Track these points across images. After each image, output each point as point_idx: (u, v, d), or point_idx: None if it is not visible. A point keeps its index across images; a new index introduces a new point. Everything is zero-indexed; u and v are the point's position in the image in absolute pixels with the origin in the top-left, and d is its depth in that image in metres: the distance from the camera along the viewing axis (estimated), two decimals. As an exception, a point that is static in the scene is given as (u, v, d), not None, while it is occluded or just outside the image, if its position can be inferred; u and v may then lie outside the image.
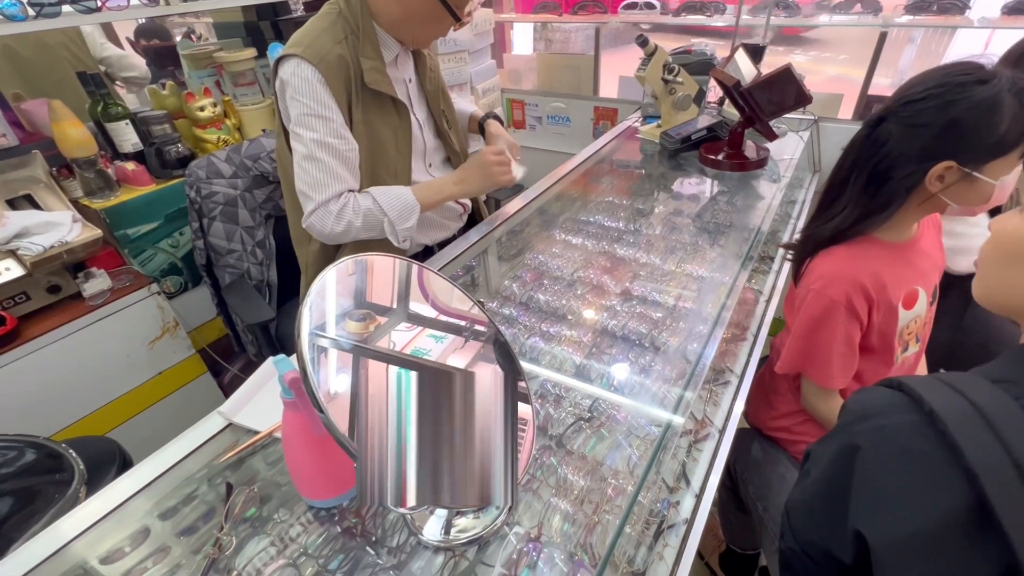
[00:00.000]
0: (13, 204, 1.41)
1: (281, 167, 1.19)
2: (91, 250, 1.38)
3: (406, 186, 1.12)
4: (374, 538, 0.69)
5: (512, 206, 1.40)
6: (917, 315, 0.95)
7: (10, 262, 1.29)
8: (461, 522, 0.66)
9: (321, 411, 0.42)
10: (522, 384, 0.63)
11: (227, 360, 1.77)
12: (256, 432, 0.70)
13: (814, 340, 0.93)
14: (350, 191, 1.06)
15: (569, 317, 1.10)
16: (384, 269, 0.60)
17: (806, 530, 0.61)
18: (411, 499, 0.45)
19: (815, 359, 0.94)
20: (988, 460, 0.42)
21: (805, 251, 0.95)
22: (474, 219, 1.42)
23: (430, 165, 1.22)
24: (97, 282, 1.41)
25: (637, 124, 1.90)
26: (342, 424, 0.43)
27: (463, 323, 0.63)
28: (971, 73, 0.73)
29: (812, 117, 1.77)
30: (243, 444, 0.68)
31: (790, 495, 0.67)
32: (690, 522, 0.72)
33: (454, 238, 1.31)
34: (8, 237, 1.28)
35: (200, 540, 0.64)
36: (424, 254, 1.31)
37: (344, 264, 0.56)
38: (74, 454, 0.91)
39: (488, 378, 0.57)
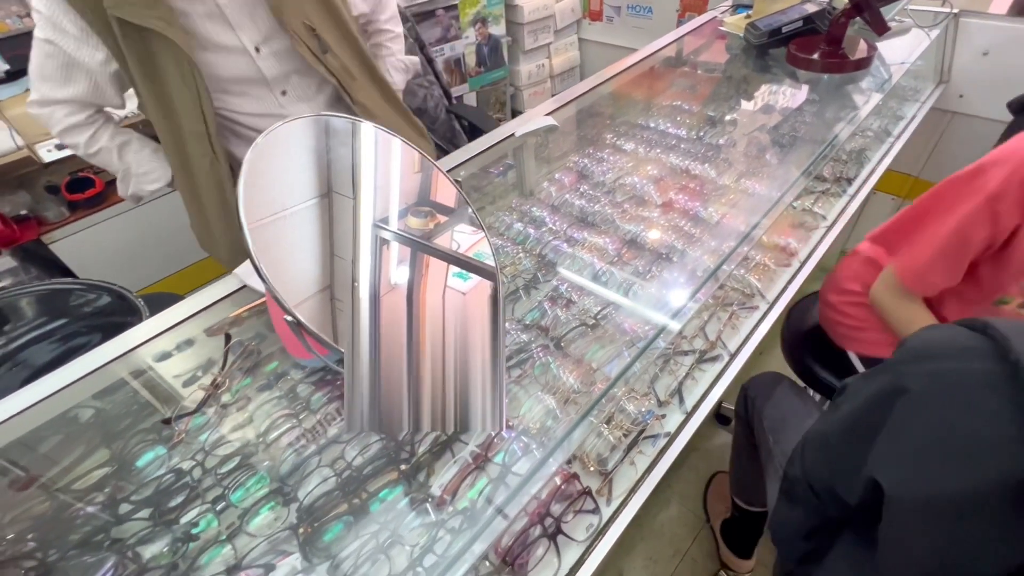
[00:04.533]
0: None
1: None
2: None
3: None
4: (368, 404, 0.75)
5: (562, 99, 1.30)
6: None
7: (95, 129, 1.41)
8: None
9: (256, 265, 0.44)
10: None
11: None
12: (263, 295, 0.76)
13: (930, 217, 0.75)
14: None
15: (600, 224, 1.05)
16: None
17: (817, 464, 0.58)
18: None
19: (917, 242, 0.76)
20: None
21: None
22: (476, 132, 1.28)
23: (283, 93, 1.01)
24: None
25: (726, 15, 1.64)
26: (290, 296, 0.44)
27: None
28: None
29: (951, 10, 1.42)
30: (247, 306, 0.74)
31: (812, 426, 0.62)
32: (672, 436, 0.71)
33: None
34: (91, 105, 1.39)
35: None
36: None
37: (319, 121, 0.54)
38: (140, 300, 1.05)
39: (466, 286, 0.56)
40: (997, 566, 0.40)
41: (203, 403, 0.68)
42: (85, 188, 1.46)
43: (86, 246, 1.47)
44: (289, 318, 0.45)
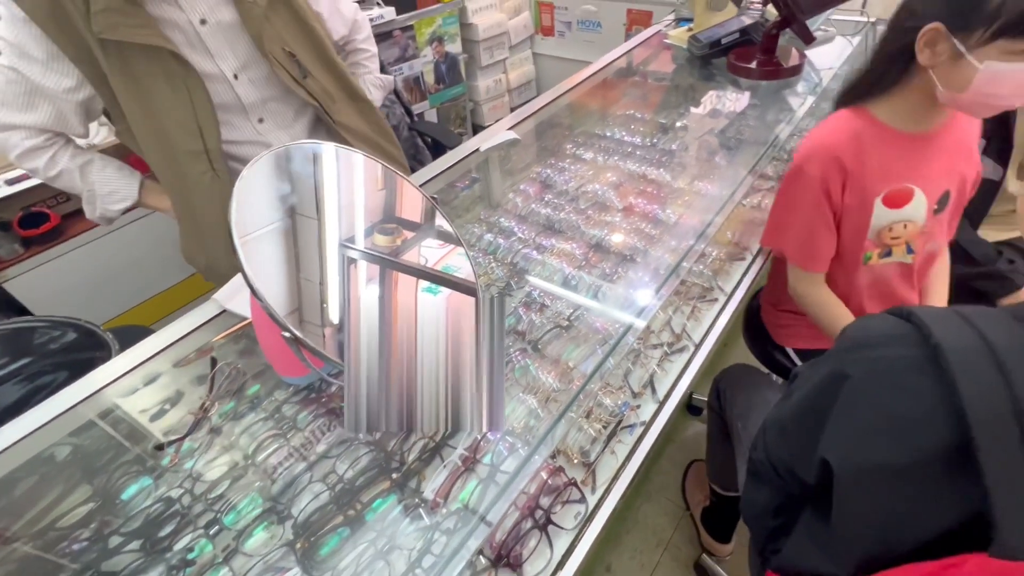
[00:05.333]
0: None
1: None
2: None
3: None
4: (355, 418, 0.77)
5: (522, 114, 1.36)
6: (908, 219, 0.86)
7: (47, 163, 1.38)
8: None
9: (250, 284, 0.46)
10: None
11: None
12: (245, 318, 0.77)
13: (789, 213, 0.90)
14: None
15: (566, 231, 1.10)
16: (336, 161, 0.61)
17: (776, 447, 0.63)
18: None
19: (790, 235, 0.91)
20: (987, 404, 0.40)
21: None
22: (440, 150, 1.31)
23: (260, 120, 1.01)
24: (128, 185, 1.50)
25: (669, 28, 1.74)
26: (279, 304, 0.46)
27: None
28: None
29: (868, 19, 1.57)
30: (229, 329, 0.75)
31: (770, 412, 0.67)
32: (647, 424, 0.76)
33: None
34: (42, 138, 1.36)
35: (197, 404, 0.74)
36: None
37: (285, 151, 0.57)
38: (109, 334, 1.03)
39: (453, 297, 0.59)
40: (935, 523, 0.45)
41: (195, 427, 0.69)
42: (39, 223, 1.42)
43: (43, 282, 1.42)
44: (287, 334, 0.47)
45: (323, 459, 0.72)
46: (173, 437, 0.70)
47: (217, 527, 0.65)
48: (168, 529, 0.65)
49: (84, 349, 1.06)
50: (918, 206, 0.85)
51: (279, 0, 0.94)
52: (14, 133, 0.89)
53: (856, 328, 0.53)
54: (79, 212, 1.49)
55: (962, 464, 0.41)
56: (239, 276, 0.87)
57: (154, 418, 0.76)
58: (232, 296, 0.82)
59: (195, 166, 0.94)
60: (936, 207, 0.87)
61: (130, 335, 1.11)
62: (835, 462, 0.50)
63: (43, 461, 0.73)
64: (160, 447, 0.69)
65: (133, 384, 0.80)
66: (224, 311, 0.83)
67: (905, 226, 0.87)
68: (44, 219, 1.42)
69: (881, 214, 0.85)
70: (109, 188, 1.00)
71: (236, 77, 0.94)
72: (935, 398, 0.43)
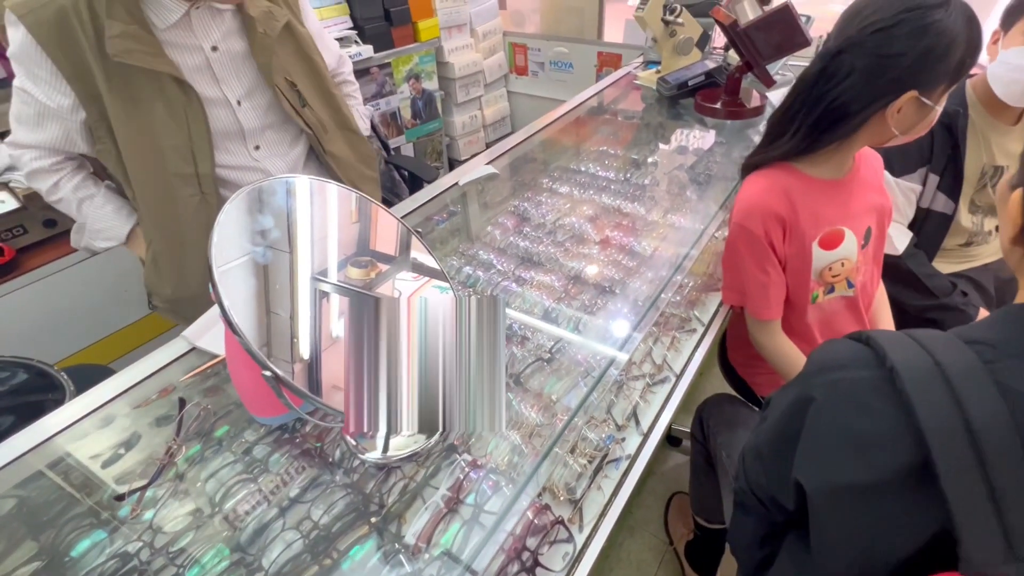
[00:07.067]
0: (3, 137, 1.42)
1: None
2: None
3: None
4: (331, 459, 0.74)
5: (499, 149, 1.38)
6: (843, 257, 0.93)
7: (4, 195, 1.32)
8: (397, 441, 0.70)
9: (228, 319, 0.44)
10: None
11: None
12: (216, 355, 0.74)
13: (740, 271, 0.94)
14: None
15: (545, 263, 1.10)
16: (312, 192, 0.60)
17: (755, 474, 0.63)
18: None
19: (744, 289, 0.96)
20: (940, 422, 0.41)
21: (741, 181, 0.96)
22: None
23: (256, 148, 1.04)
24: (91, 218, 1.45)
25: (638, 70, 1.83)
26: (255, 338, 0.45)
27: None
28: None
29: (822, 65, 1.68)
30: (200, 367, 0.72)
31: (747, 440, 0.68)
32: (633, 458, 0.75)
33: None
34: (0, 170, 1.31)
35: (160, 449, 0.70)
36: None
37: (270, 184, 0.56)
38: (64, 375, 0.97)
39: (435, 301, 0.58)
40: (908, 542, 0.45)
41: (159, 473, 0.64)
42: (-9, 257, 1.34)
43: (-9, 320, 1.34)
44: (268, 372, 0.45)
45: (296, 504, 0.68)
46: (136, 485, 0.65)
47: (179, 584, 0.60)
48: (124, 588, 0.60)
49: (35, 391, 0.99)
50: (849, 244, 0.92)
51: (287, 33, 1.00)
52: (26, 152, 0.92)
53: (820, 353, 0.55)
54: (36, 245, 1.43)
55: (925, 482, 0.42)
56: (209, 312, 0.84)
57: (107, 464, 0.71)
58: (202, 333, 0.79)
59: (184, 189, 0.96)
60: (863, 243, 0.95)
61: (87, 375, 1.05)
62: (806, 484, 0.51)
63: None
64: (120, 497, 0.64)
65: (86, 428, 0.75)
66: (193, 348, 0.79)
67: (843, 264, 0.94)
68: (-3, 253, 1.35)
69: (820, 256, 0.92)
70: (100, 225, 1.01)
71: (239, 104, 0.98)
72: (894, 418, 0.44)
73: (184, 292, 1.05)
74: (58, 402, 0.98)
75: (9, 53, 0.84)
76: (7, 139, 0.94)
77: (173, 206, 0.97)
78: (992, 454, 0.39)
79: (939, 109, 0.76)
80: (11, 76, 1.54)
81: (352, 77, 1.29)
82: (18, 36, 0.81)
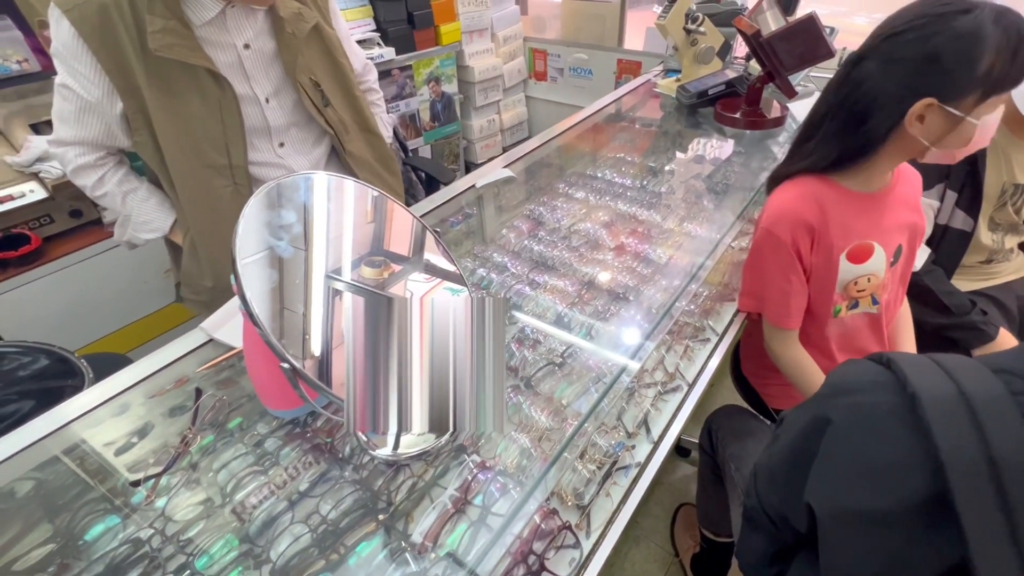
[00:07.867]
0: (36, 129, 1.46)
1: None
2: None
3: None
4: (341, 455, 0.74)
5: (516, 154, 1.39)
6: (871, 272, 0.91)
7: (34, 184, 1.36)
8: (408, 439, 0.70)
9: (249, 311, 0.45)
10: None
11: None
12: (232, 348, 0.75)
13: (762, 277, 0.93)
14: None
15: (559, 268, 1.10)
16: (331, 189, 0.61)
17: (767, 493, 0.62)
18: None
19: (764, 296, 0.94)
20: (962, 454, 0.40)
21: (770, 190, 0.94)
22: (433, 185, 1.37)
23: (281, 145, 1.07)
24: (115, 209, 1.48)
25: (658, 78, 1.83)
26: (274, 330, 0.45)
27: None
28: (952, 3, 0.69)
29: (845, 77, 1.66)
30: (217, 359, 0.73)
31: (759, 458, 0.67)
32: (643, 466, 0.75)
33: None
34: (31, 160, 1.34)
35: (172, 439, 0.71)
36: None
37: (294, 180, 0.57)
38: (83, 362, 0.99)
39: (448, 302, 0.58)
40: (923, 572, 0.44)
41: (174, 461, 0.65)
42: (18, 245, 1.38)
43: (17, 306, 1.37)
44: (286, 364, 0.45)
45: (306, 498, 0.68)
46: (151, 472, 0.66)
47: (188, 572, 0.61)
48: (135, 574, 0.61)
49: (55, 377, 1.01)
50: (878, 260, 0.91)
51: (314, 34, 1.03)
52: (70, 149, 0.94)
53: (838, 374, 0.54)
54: (62, 234, 1.46)
55: (941, 513, 0.41)
56: (227, 305, 0.85)
57: (120, 452, 0.72)
58: (220, 325, 0.80)
59: (218, 179, 0.99)
60: (892, 260, 0.93)
61: (105, 363, 1.07)
62: (817, 507, 0.50)
63: (2, 497, 0.68)
64: (136, 483, 0.65)
65: (102, 416, 0.76)
66: (210, 340, 0.80)
67: (869, 279, 0.92)
68: (24, 241, 1.38)
69: (846, 269, 0.90)
70: (145, 217, 1.04)
71: (268, 101, 1.01)
72: (912, 446, 0.43)
73: (224, 283, 1.07)
74: (77, 388, 1.01)
75: (52, 50, 0.86)
76: (49, 137, 0.97)
77: (208, 197, 1.00)
78: (1014, 489, 0.38)
79: (981, 122, 0.72)
80: (46, 69, 1.59)
81: (377, 85, 1.31)
82: (62, 31, 0.83)
